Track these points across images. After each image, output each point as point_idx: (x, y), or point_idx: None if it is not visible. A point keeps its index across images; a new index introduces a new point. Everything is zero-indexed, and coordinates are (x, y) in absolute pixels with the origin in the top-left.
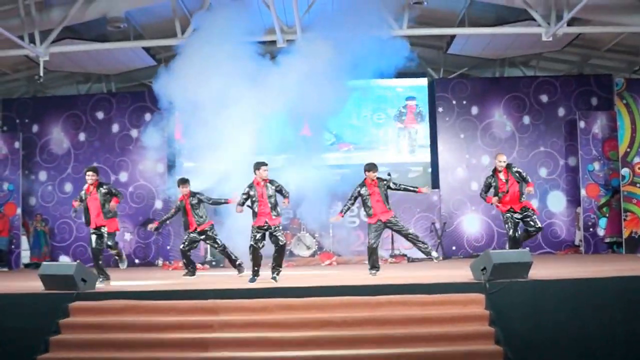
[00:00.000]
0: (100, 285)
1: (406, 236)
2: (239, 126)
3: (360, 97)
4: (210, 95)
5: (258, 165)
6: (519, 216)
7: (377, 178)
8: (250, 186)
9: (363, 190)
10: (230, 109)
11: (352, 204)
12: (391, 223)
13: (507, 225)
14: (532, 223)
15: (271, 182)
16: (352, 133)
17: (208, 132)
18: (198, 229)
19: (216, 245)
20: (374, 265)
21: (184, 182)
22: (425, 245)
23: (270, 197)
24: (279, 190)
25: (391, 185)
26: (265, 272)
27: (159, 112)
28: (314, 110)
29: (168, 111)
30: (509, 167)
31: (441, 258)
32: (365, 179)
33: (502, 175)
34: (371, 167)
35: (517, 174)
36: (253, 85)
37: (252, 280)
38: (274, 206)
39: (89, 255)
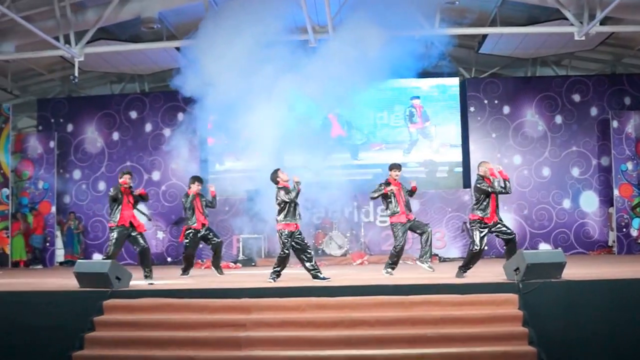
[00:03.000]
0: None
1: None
2: (268, 124)
3: (392, 96)
4: (236, 92)
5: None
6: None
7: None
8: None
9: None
10: (259, 106)
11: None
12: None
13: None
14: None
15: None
16: (384, 132)
17: (236, 131)
18: (204, 225)
19: (216, 239)
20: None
21: (199, 180)
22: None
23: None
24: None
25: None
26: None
27: (191, 112)
28: (344, 109)
29: (200, 110)
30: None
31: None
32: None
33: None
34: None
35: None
36: (281, 83)
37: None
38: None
39: (122, 253)
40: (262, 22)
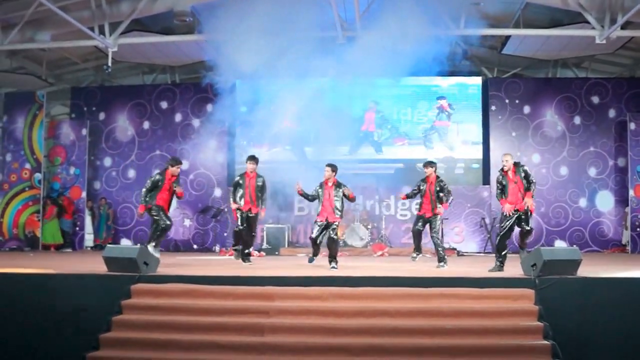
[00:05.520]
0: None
1: (432, 237)
2: (294, 117)
3: (416, 93)
4: (263, 85)
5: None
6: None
7: (436, 175)
8: (321, 186)
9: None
10: (286, 99)
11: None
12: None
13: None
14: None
15: (339, 185)
16: (407, 128)
17: (263, 122)
18: (249, 210)
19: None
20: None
21: (254, 159)
22: (442, 254)
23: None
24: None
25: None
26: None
27: (220, 103)
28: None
29: (229, 102)
30: (517, 165)
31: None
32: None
33: (510, 175)
34: (427, 164)
35: (523, 173)
36: (308, 77)
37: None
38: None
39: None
40: (291, 18)
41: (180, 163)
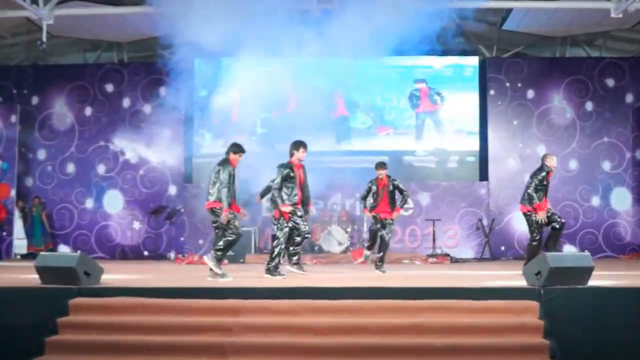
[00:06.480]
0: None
1: (382, 236)
2: (261, 103)
3: (402, 76)
4: (226, 64)
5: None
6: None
7: (387, 176)
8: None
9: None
10: (251, 82)
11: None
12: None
13: (537, 228)
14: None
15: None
16: (393, 116)
17: (225, 110)
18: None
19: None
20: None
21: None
22: (381, 263)
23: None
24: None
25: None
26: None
27: (175, 86)
28: (349, 88)
29: (185, 85)
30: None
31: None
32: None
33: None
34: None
35: None
36: (278, 55)
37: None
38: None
39: (92, 246)
40: None
41: (243, 151)
